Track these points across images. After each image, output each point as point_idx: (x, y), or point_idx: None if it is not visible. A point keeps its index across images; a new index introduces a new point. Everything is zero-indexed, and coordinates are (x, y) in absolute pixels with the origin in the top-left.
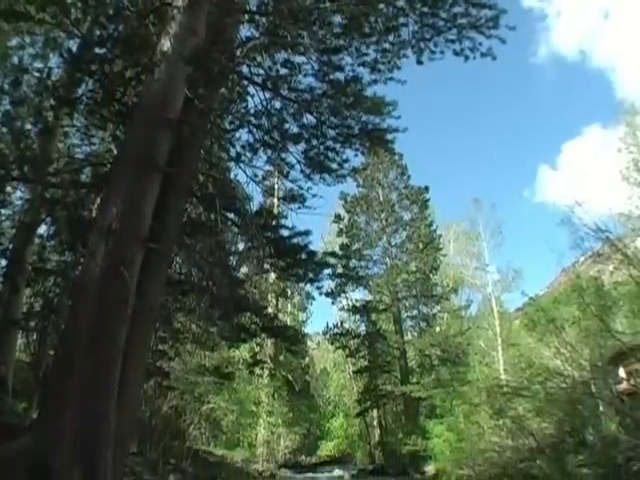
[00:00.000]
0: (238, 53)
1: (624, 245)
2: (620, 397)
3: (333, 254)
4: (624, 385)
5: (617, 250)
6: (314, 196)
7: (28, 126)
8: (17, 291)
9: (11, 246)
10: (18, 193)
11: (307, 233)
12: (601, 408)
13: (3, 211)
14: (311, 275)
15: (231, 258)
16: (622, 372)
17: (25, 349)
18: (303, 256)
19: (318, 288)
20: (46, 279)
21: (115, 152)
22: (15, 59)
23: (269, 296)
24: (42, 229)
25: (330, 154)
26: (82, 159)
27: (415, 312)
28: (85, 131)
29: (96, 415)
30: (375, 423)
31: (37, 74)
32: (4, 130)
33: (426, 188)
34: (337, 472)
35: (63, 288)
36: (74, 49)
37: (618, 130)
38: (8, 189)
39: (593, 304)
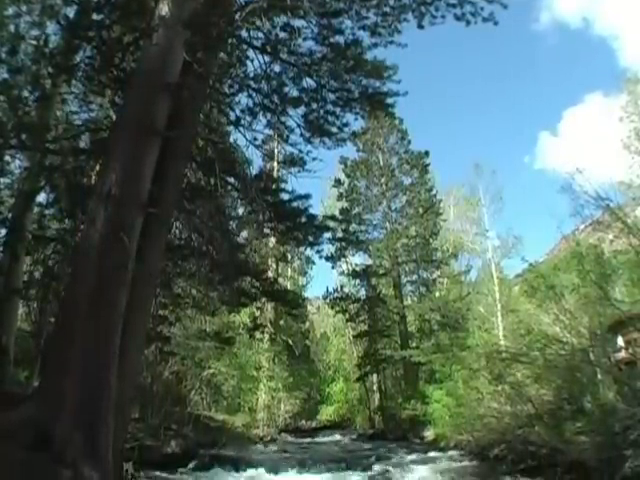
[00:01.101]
0: (237, 17)
1: (624, 214)
2: (618, 366)
3: (333, 218)
4: (622, 354)
5: (617, 219)
6: (314, 160)
7: (26, 94)
8: (17, 260)
9: (10, 215)
10: (17, 162)
11: (307, 197)
12: (599, 376)
13: (2, 180)
14: (311, 238)
15: (231, 223)
16: (620, 341)
17: (26, 318)
18: (303, 219)
19: (318, 252)
20: (46, 247)
21: (114, 118)
22: (12, 28)
23: (269, 260)
24: (41, 197)
25: (330, 118)
26: (80, 125)
27: (415, 277)
28: (83, 98)
29: (97, 382)
30: (375, 388)
31: (34, 42)
32: (1, 98)
33: (426, 153)
34: (337, 437)
35: (63, 255)
36: (71, 16)
37: (620, 99)
38: (7, 158)
39: (593, 272)
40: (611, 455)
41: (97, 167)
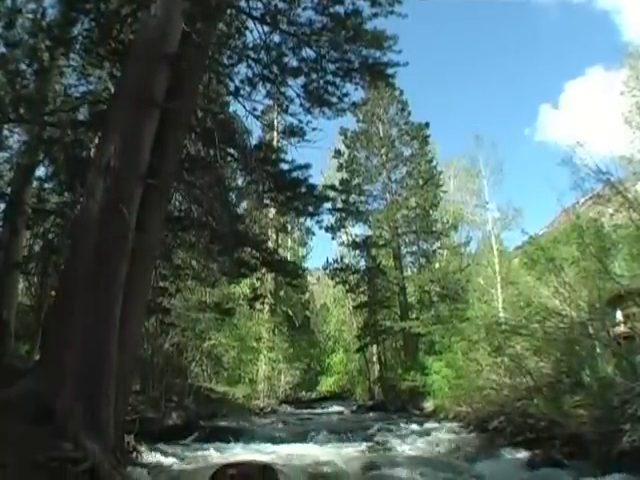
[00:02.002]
0: None
1: (625, 188)
2: (617, 340)
3: (333, 187)
4: (621, 328)
5: (618, 193)
6: (314, 130)
7: (23, 67)
8: (17, 234)
9: (10, 189)
10: (15, 137)
11: (307, 167)
12: (598, 350)
13: (1, 154)
14: (311, 209)
15: (231, 194)
16: (619, 315)
17: (27, 292)
18: (303, 189)
19: (318, 222)
20: (45, 220)
21: (112, 90)
22: (9, 1)
23: (269, 231)
24: (40, 171)
25: (330, 88)
26: (79, 98)
27: (415, 248)
28: (82, 70)
29: (97, 354)
30: (375, 359)
31: (31, 15)
32: None
33: (427, 124)
34: (337, 408)
35: (63, 228)
36: None
37: (621, 73)
38: (5, 132)
39: (592, 245)
40: (609, 429)
41: (96, 139)
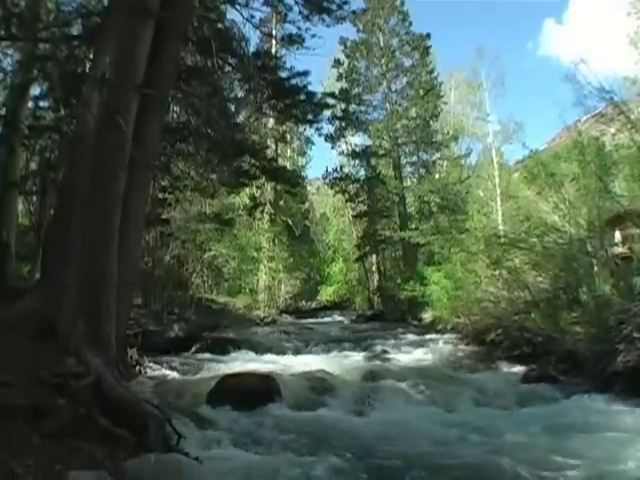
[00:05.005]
0: None
1: (628, 109)
2: (615, 260)
3: (332, 95)
4: (619, 249)
5: (620, 113)
6: (313, 37)
7: None
8: (13, 152)
9: (5, 109)
10: (8, 59)
11: (306, 74)
12: (595, 268)
13: None
14: (310, 116)
15: (229, 103)
16: (618, 235)
17: (26, 213)
18: (302, 97)
19: (317, 130)
20: (41, 136)
21: (106, 3)
22: None
23: (268, 141)
24: (35, 90)
25: None
26: (72, 12)
27: (415, 158)
28: None
29: (97, 268)
30: (374, 268)
31: None
32: None
33: (428, 35)
34: (337, 317)
35: (59, 144)
36: None
37: None
38: None
39: (593, 163)
40: (604, 348)
41: (91, 53)
